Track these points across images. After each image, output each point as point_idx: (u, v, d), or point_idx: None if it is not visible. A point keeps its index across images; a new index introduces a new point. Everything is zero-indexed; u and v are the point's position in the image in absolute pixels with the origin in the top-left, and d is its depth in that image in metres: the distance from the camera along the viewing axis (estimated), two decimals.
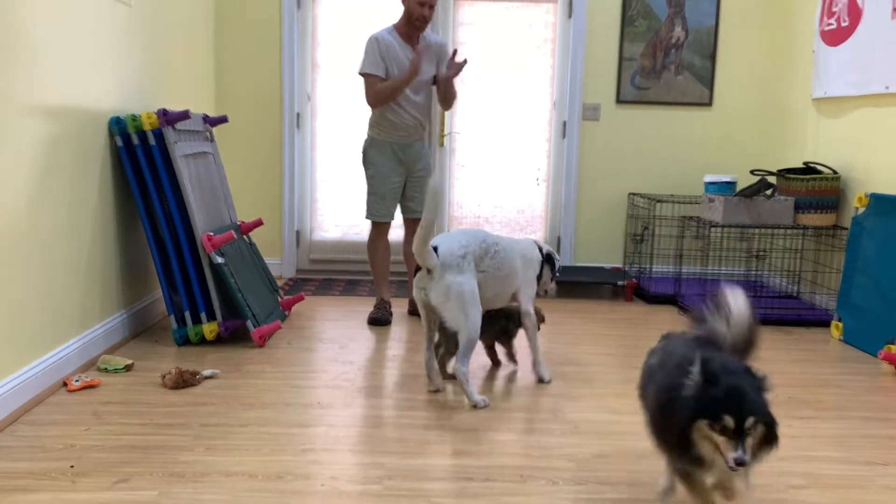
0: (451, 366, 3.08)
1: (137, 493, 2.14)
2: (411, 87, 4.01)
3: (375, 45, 3.97)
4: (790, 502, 2.21)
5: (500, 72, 5.31)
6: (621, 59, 5.23)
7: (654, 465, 2.42)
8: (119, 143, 3.51)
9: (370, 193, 4.18)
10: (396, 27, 4.06)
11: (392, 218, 4.24)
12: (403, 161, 4.16)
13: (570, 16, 5.21)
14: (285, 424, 2.68)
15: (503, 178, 5.42)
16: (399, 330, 4.06)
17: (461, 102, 5.31)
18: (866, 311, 3.90)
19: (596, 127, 5.28)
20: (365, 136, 4.20)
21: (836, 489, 2.30)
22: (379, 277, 4.31)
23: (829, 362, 3.67)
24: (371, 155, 4.14)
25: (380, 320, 4.15)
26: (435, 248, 2.90)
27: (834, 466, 2.46)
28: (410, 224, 4.21)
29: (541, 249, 3.30)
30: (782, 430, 2.74)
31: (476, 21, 5.25)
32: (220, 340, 3.65)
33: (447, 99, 4.19)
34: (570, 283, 5.01)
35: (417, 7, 3.90)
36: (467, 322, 2.88)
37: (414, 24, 3.97)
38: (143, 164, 3.52)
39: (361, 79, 4.03)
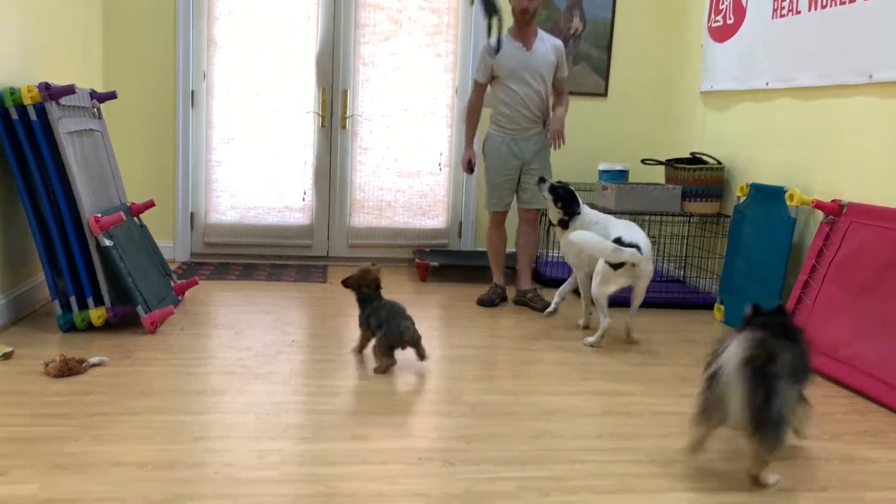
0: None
1: (16, 486, 2.04)
2: (524, 81, 4.20)
3: (483, 52, 4.26)
4: (669, 476, 2.33)
5: (403, 56, 5.29)
6: None
7: (547, 443, 2.51)
8: None
9: (487, 185, 4.40)
10: (510, 28, 4.25)
11: (508, 208, 4.40)
12: (518, 155, 4.30)
13: (471, 2, 5.24)
14: (177, 412, 2.61)
15: (406, 162, 5.42)
16: (297, 315, 4.02)
17: (365, 85, 5.27)
18: (745, 293, 4.14)
19: None
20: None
21: (713, 463, 2.44)
22: (495, 263, 4.51)
23: (710, 343, 3.87)
24: (487, 148, 4.37)
25: (487, 301, 4.39)
26: (620, 240, 3.53)
27: (710, 440, 2.61)
28: (523, 214, 4.43)
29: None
30: (669, 407, 2.90)
31: (379, 2, 5.21)
32: (108, 327, 3.50)
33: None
34: (470, 267, 5.08)
35: (517, 2, 4.16)
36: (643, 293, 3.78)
37: (517, 18, 4.20)
38: (24, 141, 3.32)
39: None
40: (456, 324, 3.98)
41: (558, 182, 3.99)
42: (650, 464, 2.40)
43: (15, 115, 3.30)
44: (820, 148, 3.88)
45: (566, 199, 3.89)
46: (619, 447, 2.52)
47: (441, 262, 5.02)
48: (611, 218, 3.87)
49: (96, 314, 3.44)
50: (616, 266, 3.56)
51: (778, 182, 4.16)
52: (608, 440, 2.58)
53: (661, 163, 4.85)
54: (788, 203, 3.89)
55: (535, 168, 4.33)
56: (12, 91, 3.28)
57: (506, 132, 4.29)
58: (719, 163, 4.70)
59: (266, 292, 4.45)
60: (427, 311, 4.25)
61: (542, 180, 4.00)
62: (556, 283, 4.91)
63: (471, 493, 2.15)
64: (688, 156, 4.88)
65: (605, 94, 5.46)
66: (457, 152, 5.44)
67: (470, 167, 4.41)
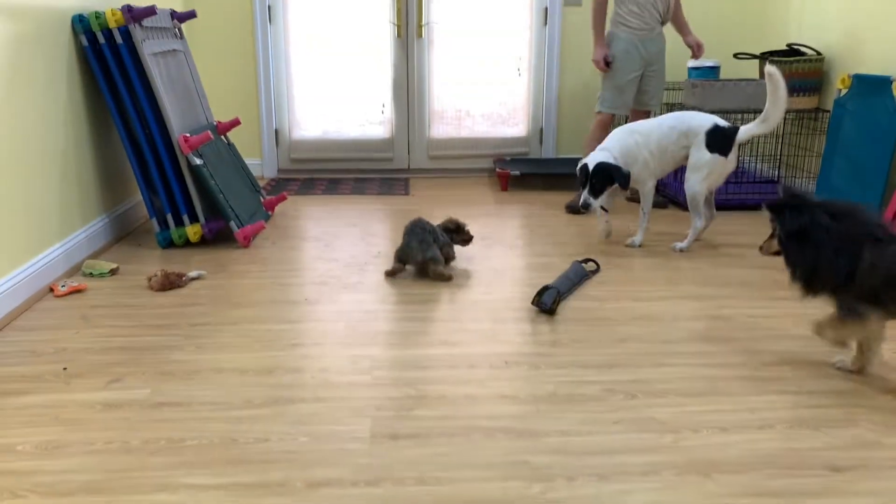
0: None
1: (131, 391, 2.20)
2: None
3: None
4: (760, 379, 2.30)
5: None
6: None
7: (634, 347, 2.50)
8: (84, 42, 3.39)
9: (610, 86, 4.31)
10: None
11: (623, 112, 4.36)
12: (644, 55, 4.27)
13: None
14: (273, 321, 2.73)
15: (484, 69, 5.31)
16: (382, 228, 4.08)
17: None
18: (844, 193, 3.94)
19: (578, 13, 5.14)
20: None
21: (805, 366, 2.39)
22: None
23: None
24: (614, 49, 4.28)
25: (577, 207, 4.16)
26: (717, 126, 3.53)
27: (803, 343, 2.55)
28: (636, 114, 4.37)
29: None
30: (760, 311, 2.84)
31: None
32: (204, 242, 3.66)
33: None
34: (551, 175, 5.00)
35: None
36: None
37: None
38: (112, 65, 3.41)
39: None
40: (539, 231, 3.96)
41: (587, 173, 3.52)
42: (739, 367, 2.37)
43: (102, 40, 3.38)
44: None
45: (612, 178, 3.50)
46: (708, 351, 2.49)
47: (522, 170, 4.96)
48: (647, 124, 3.65)
49: (192, 230, 3.59)
50: (727, 152, 3.50)
51: (884, 72, 3.87)
52: (696, 344, 2.55)
53: (755, 56, 4.58)
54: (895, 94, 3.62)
55: (656, 69, 4.31)
56: (97, 15, 3.35)
57: (633, 32, 4.21)
58: (819, 54, 4.40)
59: (351, 206, 4.53)
60: (509, 219, 4.24)
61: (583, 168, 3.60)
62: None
63: (557, 395, 2.18)
64: (784, 48, 4.58)
65: None
66: (537, 56, 5.28)
67: (606, 63, 4.27)
